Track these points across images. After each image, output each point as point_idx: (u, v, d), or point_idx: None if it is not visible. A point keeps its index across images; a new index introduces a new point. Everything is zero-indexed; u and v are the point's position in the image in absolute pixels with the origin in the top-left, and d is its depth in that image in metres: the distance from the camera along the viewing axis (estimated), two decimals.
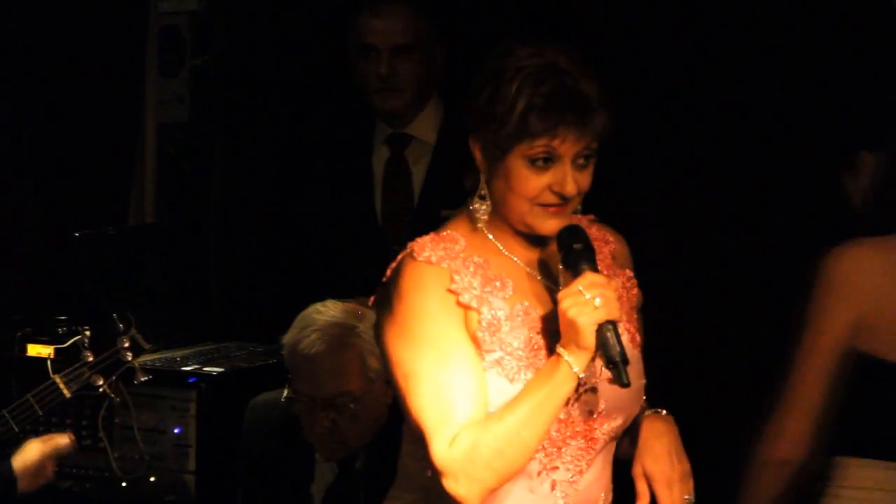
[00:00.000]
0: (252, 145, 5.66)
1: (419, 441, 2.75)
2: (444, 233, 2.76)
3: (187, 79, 5.73)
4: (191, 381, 4.67)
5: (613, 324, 2.65)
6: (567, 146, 2.71)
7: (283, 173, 5.31)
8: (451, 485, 2.67)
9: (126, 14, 5.53)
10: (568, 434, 2.87)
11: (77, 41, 5.42)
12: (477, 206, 2.76)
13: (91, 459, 4.45)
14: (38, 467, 3.93)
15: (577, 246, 2.74)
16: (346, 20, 4.54)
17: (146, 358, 4.21)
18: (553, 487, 2.87)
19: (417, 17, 4.38)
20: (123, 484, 4.44)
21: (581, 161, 2.71)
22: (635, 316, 3.00)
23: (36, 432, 4.07)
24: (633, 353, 2.91)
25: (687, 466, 2.93)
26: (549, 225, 2.73)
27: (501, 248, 2.78)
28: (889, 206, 3.73)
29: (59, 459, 3.98)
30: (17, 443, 4.00)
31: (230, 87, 5.82)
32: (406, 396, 2.67)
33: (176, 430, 4.56)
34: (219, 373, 4.77)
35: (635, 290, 3.04)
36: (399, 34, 4.35)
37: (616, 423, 2.87)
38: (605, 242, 3.02)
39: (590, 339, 2.65)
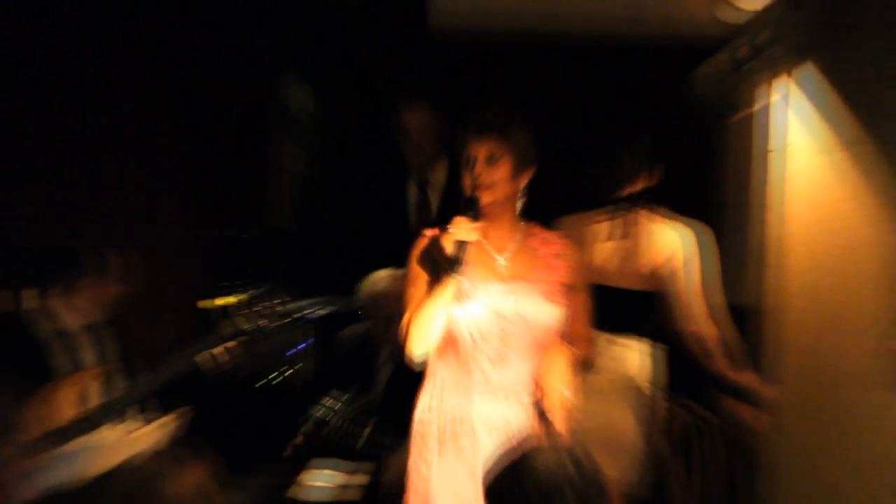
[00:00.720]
0: (346, 176, 6.40)
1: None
2: None
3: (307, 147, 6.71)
4: (308, 318, 5.65)
5: (461, 242, 3.54)
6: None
7: (375, 187, 5.70)
8: (406, 347, 3.64)
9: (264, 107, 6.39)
10: (488, 336, 3.69)
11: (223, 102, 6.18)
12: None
13: (248, 363, 4.89)
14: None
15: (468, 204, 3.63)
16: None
17: (284, 309, 4.87)
18: (491, 362, 3.69)
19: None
20: (263, 380, 5.49)
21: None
22: (560, 285, 3.72)
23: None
24: (547, 304, 3.68)
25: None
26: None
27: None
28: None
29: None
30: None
31: (333, 154, 6.59)
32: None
33: (300, 346, 5.60)
34: (324, 314, 5.69)
35: (562, 269, 3.74)
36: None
37: (526, 333, 3.66)
38: (546, 242, 3.79)
39: (447, 247, 3.57)
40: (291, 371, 5.55)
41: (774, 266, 3.36)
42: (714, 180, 5.66)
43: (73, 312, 4.90)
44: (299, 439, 5.16)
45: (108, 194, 5.81)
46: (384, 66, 6.48)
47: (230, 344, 4.70)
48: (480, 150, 3.66)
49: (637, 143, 4.66)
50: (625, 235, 4.60)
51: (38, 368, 4.69)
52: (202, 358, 4.63)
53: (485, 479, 3.59)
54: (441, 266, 3.64)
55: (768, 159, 3.37)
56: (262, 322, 4.59)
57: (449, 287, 3.60)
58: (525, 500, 2.57)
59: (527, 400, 3.72)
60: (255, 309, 4.59)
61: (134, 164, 5.87)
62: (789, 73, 3.28)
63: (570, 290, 3.79)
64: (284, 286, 4.93)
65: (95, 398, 4.67)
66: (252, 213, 6.44)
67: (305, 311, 5.64)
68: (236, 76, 6.23)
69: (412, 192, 5.44)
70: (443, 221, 4.31)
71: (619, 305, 4.54)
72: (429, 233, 3.78)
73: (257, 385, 5.47)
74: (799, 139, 3.30)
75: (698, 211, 5.44)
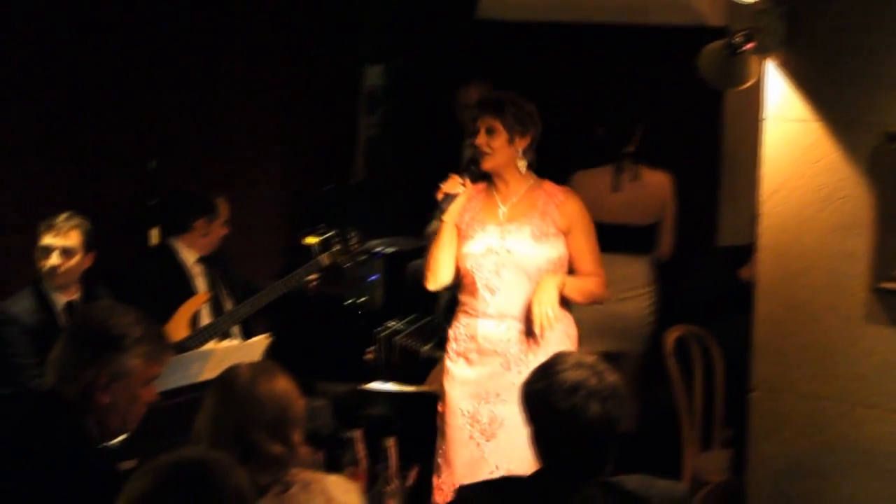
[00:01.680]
0: (416, 137, 6.82)
1: None
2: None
3: (379, 116, 6.97)
4: (379, 254, 5.87)
5: (447, 195, 3.91)
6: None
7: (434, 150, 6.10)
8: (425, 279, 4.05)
9: (347, 84, 6.59)
10: (485, 268, 4.00)
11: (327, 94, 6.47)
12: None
13: (334, 289, 5.58)
14: None
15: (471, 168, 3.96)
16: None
17: (360, 247, 5.32)
18: (488, 290, 3.97)
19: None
20: (348, 301, 5.71)
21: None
22: (553, 229, 3.96)
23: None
24: (534, 243, 3.92)
25: (548, 296, 3.87)
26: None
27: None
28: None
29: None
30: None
31: (399, 121, 6.82)
32: None
33: (372, 278, 5.78)
34: (393, 250, 5.92)
35: (556, 216, 3.97)
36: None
37: (514, 266, 3.92)
38: (551, 195, 4.02)
39: (438, 197, 3.89)
40: (366, 298, 5.74)
41: (765, 214, 3.60)
42: (718, 141, 5.91)
43: (190, 248, 5.14)
44: (370, 354, 5.35)
45: (223, 152, 6.04)
46: (443, 47, 6.67)
47: (316, 275, 5.03)
48: (482, 124, 3.96)
49: (625, 112, 5.45)
50: (633, 182, 5.36)
51: (168, 292, 4.97)
52: (294, 285, 4.98)
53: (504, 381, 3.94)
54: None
55: (761, 126, 3.61)
56: (342, 258, 4.86)
57: (443, 231, 3.95)
58: (552, 398, 2.69)
59: (523, 324, 3.97)
60: (337, 247, 4.82)
61: (245, 128, 6.07)
62: (775, 54, 3.51)
63: (566, 233, 4.02)
64: (361, 229, 5.23)
65: (206, 318, 5.00)
66: (337, 169, 6.62)
67: (377, 249, 5.86)
68: (328, 59, 6.42)
69: (466, 151, 5.55)
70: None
71: (632, 235, 5.32)
72: (453, 176, 4.05)
73: (342, 305, 5.68)
74: (782, 110, 3.54)
75: (705, 164, 5.96)
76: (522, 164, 4.03)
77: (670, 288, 5.53)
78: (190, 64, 5.86)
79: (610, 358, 3.59)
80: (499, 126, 3.94)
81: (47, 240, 4.47)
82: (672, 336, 4.79)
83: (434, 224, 4.12)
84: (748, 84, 3.58)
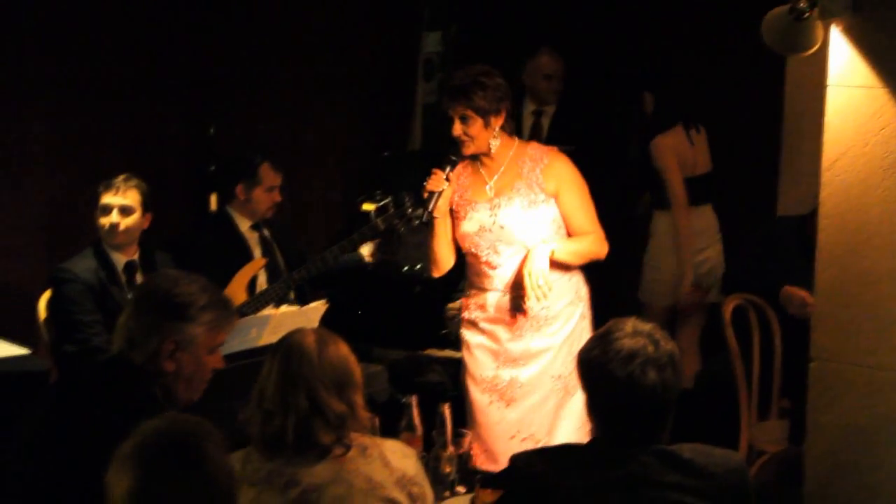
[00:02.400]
0: None
1: None
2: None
3: (437, 83, 7.04)
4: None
5: (431, 192, 3.94)
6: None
7: None
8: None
9: (405, 51, 6.62)
10: (481, 246, 4.03)
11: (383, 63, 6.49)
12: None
13: (391, 257, 5.27)
14: None
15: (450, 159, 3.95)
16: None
17: (416, 213, 5.00)
18: (489, 266, 4.05)
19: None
20: (405, 268, 5.68)
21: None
22: (542, 195, 3.94)
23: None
24: (525, 213, 3.92)
25: (539, 266, 3.87)
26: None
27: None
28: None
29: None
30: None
31: None
32: None
33: None
34: None
35: (542, 180, 3.95)
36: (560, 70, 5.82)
37: (510, 240, 3.96)
38: (536, 161, 4.01)
39: (424, 193, 3.92)
40: (423, 265, 5.65)
41: (827, 182, 3.55)
42: (780, 109, 5.85)
43: (240, 214, 5.12)
44: (452, 315, 5.26)
45: (281, 119, 6.05)
46: (500, 14, 6.70)
47: (372, 243, 5.02)
48: (454, 112, 3.93)
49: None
50: (698, 135, 5.68)
51: (225, 258, 4.98)
52: (350, 251, 4.97)
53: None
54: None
55: (824, 93, 3.55)
56: (397, 222, 4.84)
57: (437, 225, 4.03)
58: (608, 366, 2.68)
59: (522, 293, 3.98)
60: (391, 213, 4.83)
61: (303, 95, 6.09)
62: (840, 20, 3.44)
63: (555, 195, 4.00)
64: (418, 196, 5.07)
65: (263, 285, 5.00)
66: (394, 136, 6.64)
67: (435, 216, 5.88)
68: (386, 25, 6.45)
69: (527, 118, 5.84)
70: (552, 142, 4.68)
71: (711, 185, 5.68)
72: (436, 172, 4.03)
73: (399, 272, 5.70)
74: (846, 77, 3.47)
75: (766, 132, 5.94)
76: (496, 143, 3.99)
77: (732, 257, 5.56)
78: (249, 31, 5.89)
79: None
80: (471, 113, 3.89)
81: (106, 199, 4.55)
82: (730, 305, 4.76)
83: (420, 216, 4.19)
84: (812, 50, 3.51)
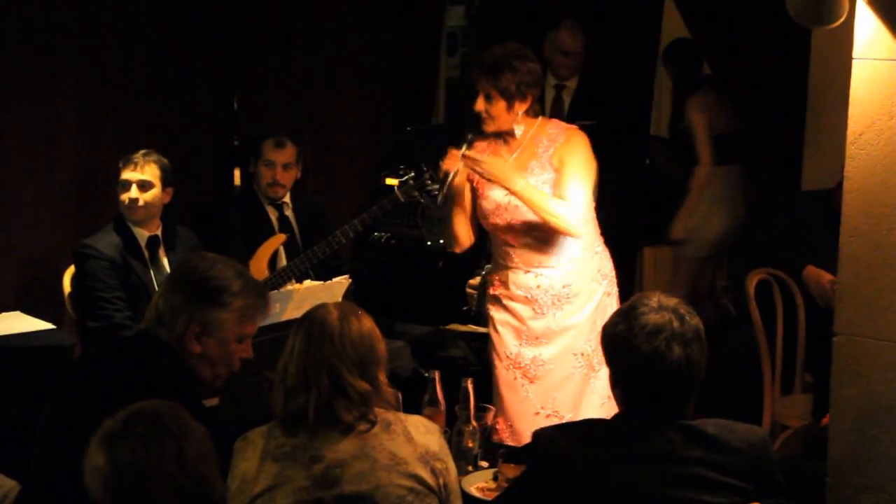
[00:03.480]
0: None
1: None
2: None
3: (460, 57, 7.21)
4: None
5: (447, 171, 3.92)
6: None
7: None
8: None
9: (428, 25, 6.64)
10: (499, 223, 4.03)
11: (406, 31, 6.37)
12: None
13: (413, 231, 5.74)
14: None
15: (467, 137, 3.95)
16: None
17: (435, 185, 4.96)
18: (507, 245, 4.05)
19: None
20: (428, 243, 5.70)
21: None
22: (551, 174, 3.92)
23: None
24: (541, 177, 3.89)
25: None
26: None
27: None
28: None
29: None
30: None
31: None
32: None
33: None
34: None
35: (552, 158, 3.93)
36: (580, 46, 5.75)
37: (524, 219, 3.92)
38: (553, 140, 3.98)
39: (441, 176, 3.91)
40: (442, 241, 5.57)
41: (852, 156, 3.51)
42: (804, 82, 5.82)
43: (259, 189, 5.12)
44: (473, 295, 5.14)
45: (305, 93, 6.00)
46: None
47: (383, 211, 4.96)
48: (481, 88, 3.89)
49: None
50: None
51: (248, 234, 4.99)
52: (369, 224, 4.99)
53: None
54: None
55: (850, 66, 3.51)
56: (417, 194, 4.82)
57: (454, 205, 4.01)
58: (633, 341, 2.66)
59: (550, 271, 3.99)
60: (411, 185, 4.81)
61: (326, 69, 6.05)
62: None
63: (558, 170, 3.95)
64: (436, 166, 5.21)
65: (283, 260, 5.01)
66: (417, 111, 6.62)
67: None
68: (410, 4, 6.42)
69: (549, 92, 5.76)
70: (572, 118, 4.76)
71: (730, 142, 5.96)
72: (452, 151, 4.00)
73: (422, 246, 5.72)
74: (872, 49, 3.42)
75: (790, 105, 5.91)
76: (520, 128, 3.98)
77: (756, 232, 5.56)
78: (274, 5, 5.86)
79: None
80: (496, 93, 3.86)
81: (126, 174, 4.55)
82: (754, 279, 4.75)
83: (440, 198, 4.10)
84: (838, 23, 3.46)
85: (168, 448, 2.11)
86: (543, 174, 3.95)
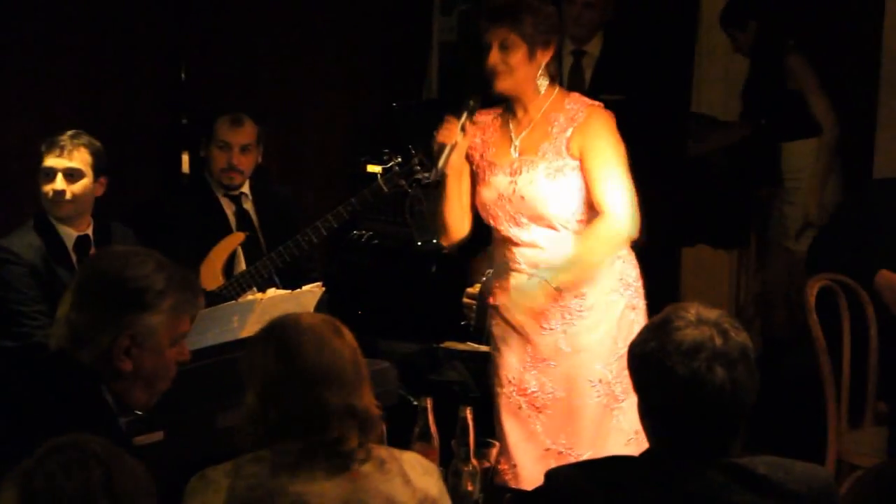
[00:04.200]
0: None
1: None
2: None
3: (457, 17, 7.09)
4: None
5: (442, 145, 3.91)
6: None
7: None
8: None
9: None
10: (501, 217, 4.02)
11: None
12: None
13: (400, 229, 5.70)
14: None
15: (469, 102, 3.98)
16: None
17: (427, 174, 5.06)
18: (511, 242, 4.06)
19: None
20: (419, 243, 5.63)
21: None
22: (569, 160, 3.94)
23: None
24: (548, 182, 3.92)
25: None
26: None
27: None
28: None
29: None
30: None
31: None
32: None
33: None
34: None
35: (570, 141, 3.93)
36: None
37: (532, 214, 3.95)
38: (571, 118, 3.98)
39: (434, 147, 3.93)
40: (436, 240, 5.51)
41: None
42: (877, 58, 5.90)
43: (211, 178, 5.15)
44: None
45: (269, 59, 6.07)
46: None
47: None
48: (494, 37, 3.89)
49: None
50: None
51: (201, 232, 5.02)
52: (345, 219, 5.02)
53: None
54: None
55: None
56: (403, 183, 4.88)
57: (447, 185, 4.01)
58: (667, 362, 2.65)
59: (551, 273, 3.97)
60: (396, 171, 4.86)
61: (296, 32, 6.11)
62: None
63: (580, 158, 3.97)
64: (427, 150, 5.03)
65: (243, 264, 5.02)
66: (406, 82, 6.69)
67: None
68: None
69: (565, 59, 5.70)
70: (595, 92, 4.67)
71: None
72: (450, 120, 4.02)
73: (411, 248, 5.74)
74: None
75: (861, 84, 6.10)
76: (544, 83, 3.99)
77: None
78: None
79: None
80: (516, 38, 3.87)
81: (50, 161, 4.51)
82: (815, 287, 4.73)
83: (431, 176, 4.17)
84: None
85: (94, 475, 2.07)
86: (557, 160, 3.95)
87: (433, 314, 5.46)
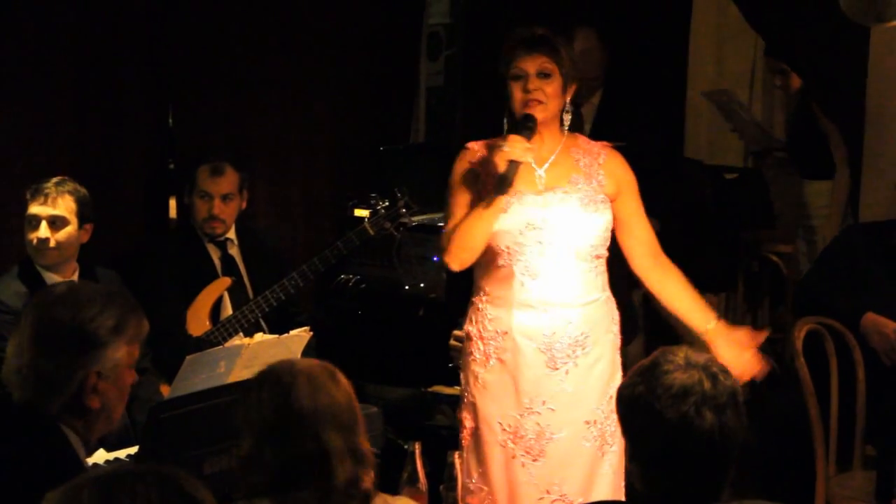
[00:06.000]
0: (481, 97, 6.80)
1: None
2: None
3: (444, 62, 7.24)
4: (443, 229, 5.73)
5: (512, 162, 3.77)
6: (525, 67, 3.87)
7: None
8: (445, 257, 3.97)
9: (406, 23, 6.72)
10: (524, 249, 3.93)
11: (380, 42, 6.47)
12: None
13: (387, 273, 5.70)
14: None
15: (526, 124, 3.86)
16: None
17: (418, 218, 5.53)
18: (528, 275, 3.93)
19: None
20: (406, 287, 5.69)
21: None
22: (601, 195, 3.97)
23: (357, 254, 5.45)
24: (583, 213, 3.91)
25: None
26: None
27: None
28: None
29: None
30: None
31: (467, 67, 7.02)
32: None
33: (434, 259, 5.64)
34: None
35: (603, 179, 3.98)
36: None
37: (561, 244, 3.91)
38: (593, 156, 4.04)
39: (499, 165, 3.78)
40: (426, 283, 5.73)
41: None
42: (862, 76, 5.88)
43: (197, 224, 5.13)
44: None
45: (257, 105, 6.05)
46: None
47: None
48: (531, 66, 3.89)
49: None
50: None
51: (187, 277, 5.00)
52: (331, 263, 5.02)
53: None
54: (488, 183, 3.89)
55: None
56: (389, 226, 4.91)
57: (496, 206, 3.85)
58: (655, 406, 2.65)
59: (570, 312, 3.94)
60: (382, 214, 4.87)
61: (284, 79, 6.11)
62: None
63: (613, 198, 4.02)
64: (421, 197, 5.24)
65: (229, 309, 5.02)
66: (393, 127, 6.67)
67: (440, 223, 5.51)
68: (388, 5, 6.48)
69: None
70: (596, 138, 4.54)
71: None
72: (474, 146, 4.00)
73: (398, 292, 5.73)
74: None
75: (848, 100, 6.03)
76: (567, 118, 4.03)
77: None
78: None
79: None
80: (554, 68, 3.90)
81: (34, 208, 4.52)
82: (803, 330, 4.73)
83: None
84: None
85: None
86: (591, 192, 3.97)
87: (421, 358, 5.45)
